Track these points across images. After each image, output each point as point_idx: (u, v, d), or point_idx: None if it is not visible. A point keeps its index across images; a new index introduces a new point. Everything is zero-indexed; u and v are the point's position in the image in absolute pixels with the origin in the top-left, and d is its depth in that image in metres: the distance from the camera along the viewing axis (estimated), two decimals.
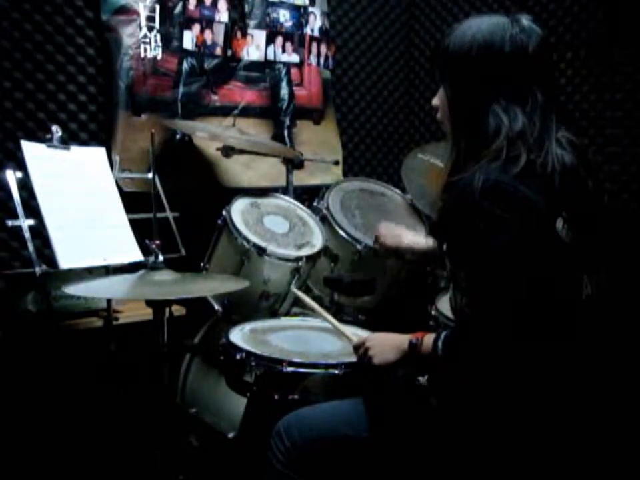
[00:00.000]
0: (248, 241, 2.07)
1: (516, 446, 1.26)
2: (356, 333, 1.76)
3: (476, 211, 1.20)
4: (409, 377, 1.45)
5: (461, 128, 1.35)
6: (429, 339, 1.35)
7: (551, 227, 1.24)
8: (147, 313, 1.78)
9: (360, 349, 1.53)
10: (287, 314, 2.20)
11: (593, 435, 1.32)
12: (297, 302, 2.16)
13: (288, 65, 2.96)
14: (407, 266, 2.36)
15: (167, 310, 1.75)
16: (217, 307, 2.16)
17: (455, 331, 1.38)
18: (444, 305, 2.01)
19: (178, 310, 2.22)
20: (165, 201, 2.24)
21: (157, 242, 1.71)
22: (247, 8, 2.80)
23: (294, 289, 2.09)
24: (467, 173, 1.25)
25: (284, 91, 2.96)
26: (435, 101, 1.44)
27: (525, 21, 1.31)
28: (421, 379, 1.43)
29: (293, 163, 2.58)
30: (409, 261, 2.03)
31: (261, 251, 2.06)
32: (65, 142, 2.12)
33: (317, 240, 2.24)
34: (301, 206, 2.38)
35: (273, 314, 2.15)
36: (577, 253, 1.27)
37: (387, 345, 1.46)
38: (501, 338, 1.20)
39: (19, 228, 1.85)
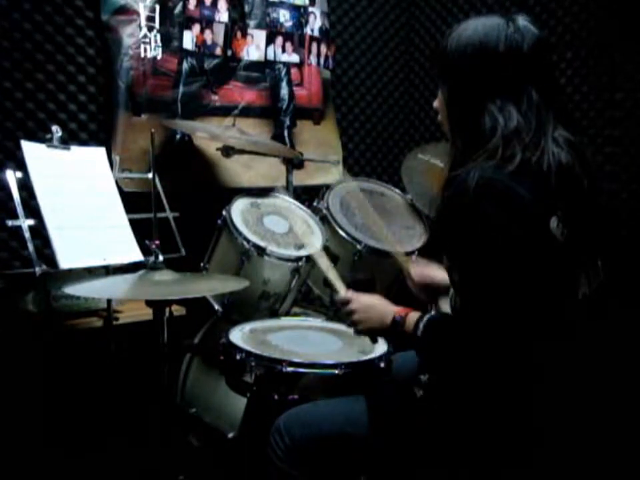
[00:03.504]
0: (248, 240, 2.07)
1: (512, 445, 1.27)
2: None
3: (469, 208, 1.21)
4: (407, 384, 1.45)
5: (458, 127, 1.36)
6: (412, 317, 1.34)
7: (544, 226, 1.24)
8: (146, 313, 1.79)
9: (344, 306, 1.51)
10: (287, 314, 2.20)
11: (590, 432, 1.32)
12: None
13: (288, 65, 2.96)
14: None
15: (167, 310, 1.75)
16: (217, 307, 2.16)
17: (441, 317, 1.38)
18: (444, 305, 2.01)
19: (178, 310, 2.22)
20: (165, 201, 2.24)
21: (157, 242, 1.71)
22: (247, 8, 2.80)
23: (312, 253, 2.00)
24: (462, 171, 1.25)
25: (284, 91, 2.96)
26: (436, 104, 1.44)
27: (521, 21, 1.31)
28: (422, 377, 1.42)
29: (293, 163, 2.58)
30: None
31: (261, 250, 2.06)
32: (65, 142, 2.12)
33: (316, 240, 2.24)
34: (301, 206, 2.38)
35: (273, 314, 2.15)
36: (571, 251, 1.27)
37: (372, 314, 1.45)
38: (489, 334, 1.20)
39: (19, 228, 1.86)
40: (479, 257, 1.21)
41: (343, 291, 1.60)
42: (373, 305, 1.47)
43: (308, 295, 2.42)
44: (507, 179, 1.21)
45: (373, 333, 1.46)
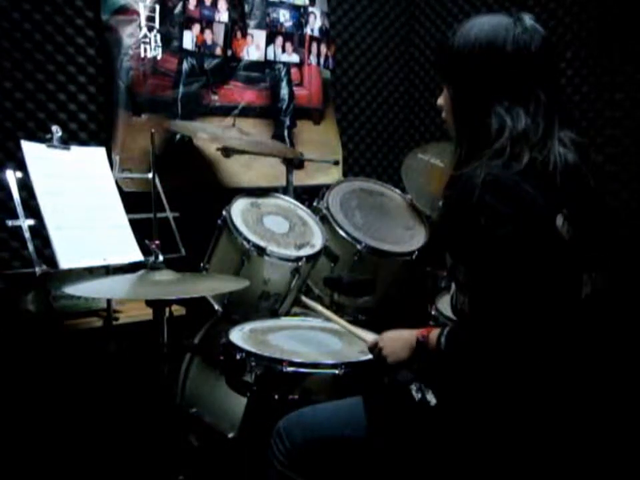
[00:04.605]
0: (248, 240, 2.07)
1: (515, 446, 1.26)
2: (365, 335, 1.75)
3: (477, 205, 1.20)
4: (405, 383, 1.44)
5: (464, 127, 1.35)
6: (434, 334, 1.34)
7: (551, 224, 1.24)
8: (146, 313, 1.79)
9: (374, 349, 1.52)
10: (287, 314, 2.20)
11: (592, 434, 1.32)
12: (301, 304, 2.15)
13: (288, 65, 2.96)
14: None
15: (167, 310, 1.75)
16: (217, 306, 2.16)
17: (457, 325, 1.38)
18: (444, 305, 2.01)
19: (178, 310, 2.22)
20: (165, 201, 2.24)
21: (157, 242, 1.71)
22: (247, 8, 2.80)
23: (304, 298, 2.08)
24: (468, 169, 1.25)
25: (284, 91, 2.96)
26: (440, 101, 1.44)
27: (528, 20, 1.31)
28: (414, 386, 1.41)
29: (293, 163, 2.58)
30: None
31: (261, 250, 2.06)
32: (65, 142, 2.12)
33: (317, 240, 2.24)
34: (301, 206, 2.38)
35: (273, 314, 2.15)
36: (576, 250, 1.27)
37: (398, 342, 1.45)
38: (502, 334, 1.20)
39: (19, 228, 1.85)
40: (488, 253, 1.20)
41: (368, 338, 1.62)
42: (397, 336, 1.47)
43: (308, 295, 2.42)
44: (514, 177, 1.21)
45: (403, 364, 1.45)
